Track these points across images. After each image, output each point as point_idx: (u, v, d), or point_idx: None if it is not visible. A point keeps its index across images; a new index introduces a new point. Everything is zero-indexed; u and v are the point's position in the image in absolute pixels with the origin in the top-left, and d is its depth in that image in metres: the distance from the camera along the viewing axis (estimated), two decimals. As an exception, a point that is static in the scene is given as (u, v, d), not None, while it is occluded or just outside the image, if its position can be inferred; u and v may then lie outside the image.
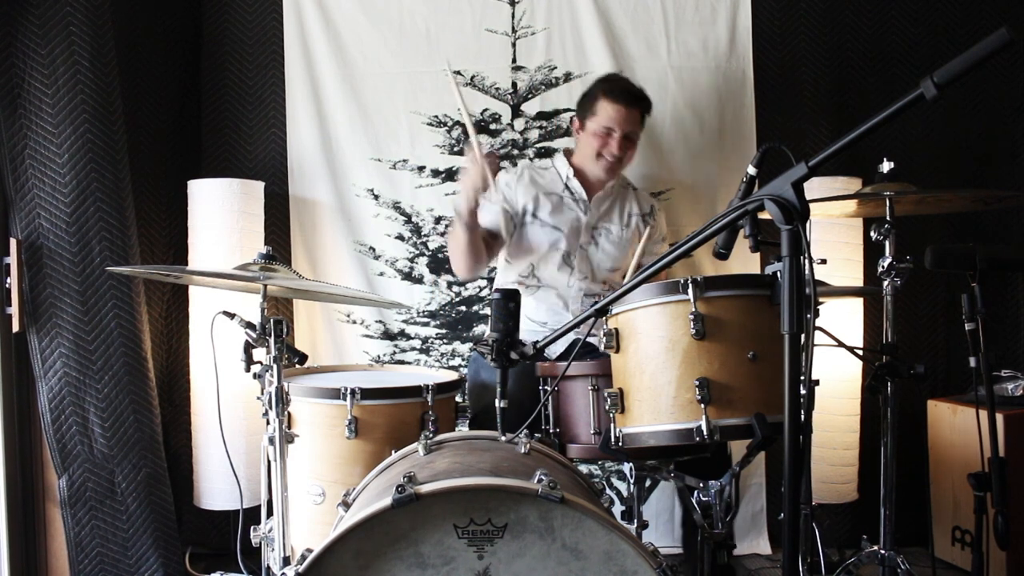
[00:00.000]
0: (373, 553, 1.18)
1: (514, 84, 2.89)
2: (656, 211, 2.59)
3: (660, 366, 1.54)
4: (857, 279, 2.72)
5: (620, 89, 2.38)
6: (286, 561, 1.68)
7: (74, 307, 2.34)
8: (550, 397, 1.86)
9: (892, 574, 1.96)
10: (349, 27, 2.87)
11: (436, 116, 2.87)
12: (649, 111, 2.45)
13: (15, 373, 2.36)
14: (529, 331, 2.36)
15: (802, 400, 1.14)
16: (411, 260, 2.89)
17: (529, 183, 2.46)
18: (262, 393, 1.71)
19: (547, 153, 2.85)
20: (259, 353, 1.70)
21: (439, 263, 2.88)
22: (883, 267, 1.93)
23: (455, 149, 2.88)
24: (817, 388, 1.78)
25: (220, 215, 2.63)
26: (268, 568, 1.92)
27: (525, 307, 2.32)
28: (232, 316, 1.73)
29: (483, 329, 2.88)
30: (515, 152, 2.89)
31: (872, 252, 2.65)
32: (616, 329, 1.62)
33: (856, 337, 2.74)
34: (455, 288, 2.89)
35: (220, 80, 2.89)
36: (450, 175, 2.88)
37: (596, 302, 1.57)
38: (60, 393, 2.33)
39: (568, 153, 2.54)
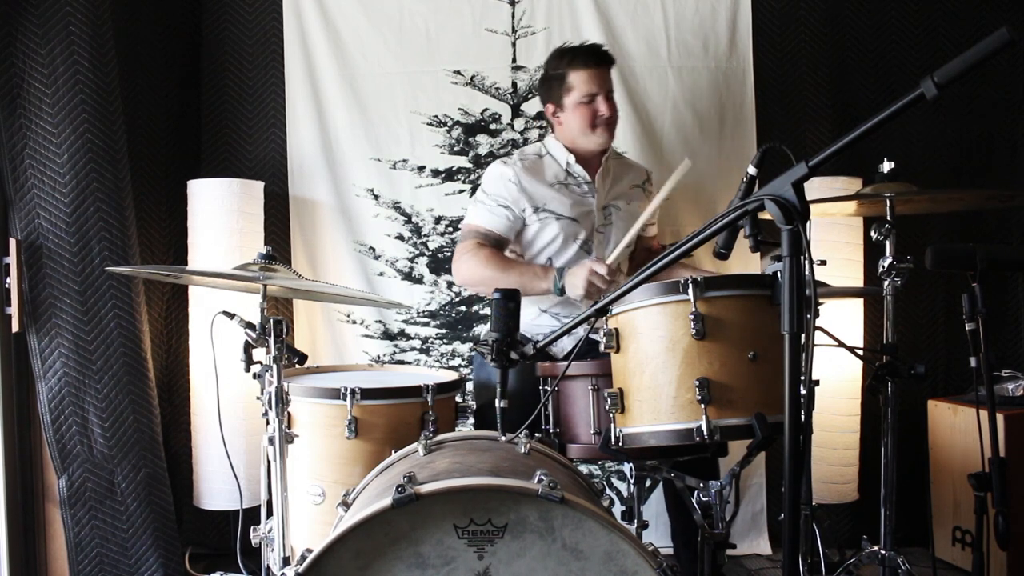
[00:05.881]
0: (373, 553, 1.18)
1: (514, 84, 2.89)
2: (651, 176, 2.56)
3: (660, 366, 1.54)
4: (857, 279, 2.72)
5: (583, 53, 2.31)
6: (286, 561, 1.68)
7: (74, 307, 2.33)
8: (550, 397, 1.86)
9: (892, 574, 1.96)
10: (349, 27, 2.87)
11: (436, 116, 2.87)
12: (613, 63, 2.36)
13: (15, 373, 2.36)
14: (544, 324, 2.33)
15: (802, 400, 1.14)
16: (411, 260, 2.89)
17: (530, 178, 2.33)
18: (262, 393, 1.71)
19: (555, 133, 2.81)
20: (259, 353, 1.70)
21: (439, 263, 2.88)
22: (883, 267, 1.93)
23: (455, 149, 2.88)
24: (817, 388, 1.77)
25: (220, 215, 2.63)
26: (268, 568, 1.92)
27: (539, 299, 2.31)
28: (232, 316, 1.73)
29: (483, 329, 2.88)
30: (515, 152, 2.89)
31: (872, 252, 2.65)
32: (616, 329, 1.62)
33: (856, 337, 2.74)
34: (455, 288, 2.89)
35: (220, 80, 2.89)
36: (450, 175, 2.88)
37: (596, 301, 1.57)
38: (60, 393, 2.33)
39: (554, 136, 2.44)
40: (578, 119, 2.32)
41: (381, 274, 2.89)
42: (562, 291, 2.15)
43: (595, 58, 2.31)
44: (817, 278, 1.57)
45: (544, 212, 2.32)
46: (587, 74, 2.29)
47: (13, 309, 2.30)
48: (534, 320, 2.34)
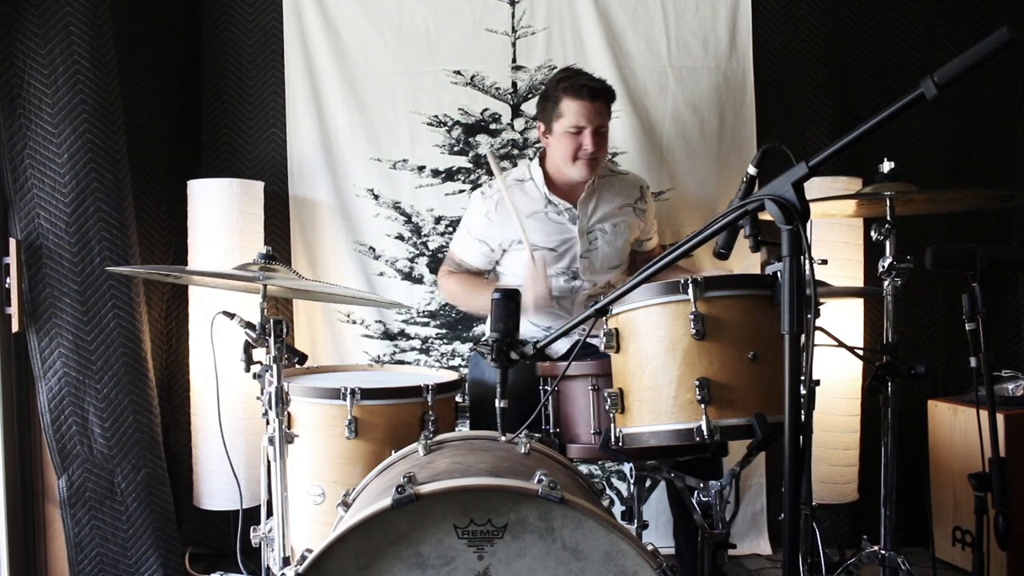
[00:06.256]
0: (373, 553, 1.18)
1: (514, 84, 2.89)
2: (646, 191, 2.51)
3: (660, 366, 1.54)
4: (857, 279, 2.72)
5: (581, 84, 2.24)
6: (286, 561, 1.68)
7: (74, 307, 2.33)
8: (550, 397, 1.86)
9: (892, 574, 1.96)
10: (349, 27, 2.87)
11: (436, 116, 2.87)
12: (613, 99, 2.32)
13: (15, 373, 2.36)
14: (532, 334, 2.35)
15: (802, 400, 1.14)
16: (411, 260, 2.89)
17: (509, 210, 2.31)
18: (262, 393, 1.71)
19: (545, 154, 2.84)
20: (259, 353, 1.70)
21: (439, 263, 2.87)
22: (883, 267, 1.93)
23: (455, 149, 2.88)
24: (817, 388, 1.78)
25: (220, 215, 2.63)
26: (268, 568, 1.92)
27: (527, 312, 2.32)
28: (232, 316, 1.73)
29: (483, 329, 2.88)
30: (515, 152, 2.89)
31: (872, 252, 2.65)
32: (616, 329, 1.62)
33: (856, 337, 2.74)
34: (455, 288, 2.89)
35: (220, 80, 2.89)
36: (450, 175, 2.88)
37: (596, 302, 1.57)
38: (60, 393, 2.33)
39: (542, 157, 2.43)
40: (562, 148, 2.30)
41: (381, 274, 2.89)
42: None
43: (591, 92, 2.24)
44: (817, 278, 1.57)
45: (521, 243, 2.31)
46: (579, 105, 2.24)
47: (13, 309, 2.30)
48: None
